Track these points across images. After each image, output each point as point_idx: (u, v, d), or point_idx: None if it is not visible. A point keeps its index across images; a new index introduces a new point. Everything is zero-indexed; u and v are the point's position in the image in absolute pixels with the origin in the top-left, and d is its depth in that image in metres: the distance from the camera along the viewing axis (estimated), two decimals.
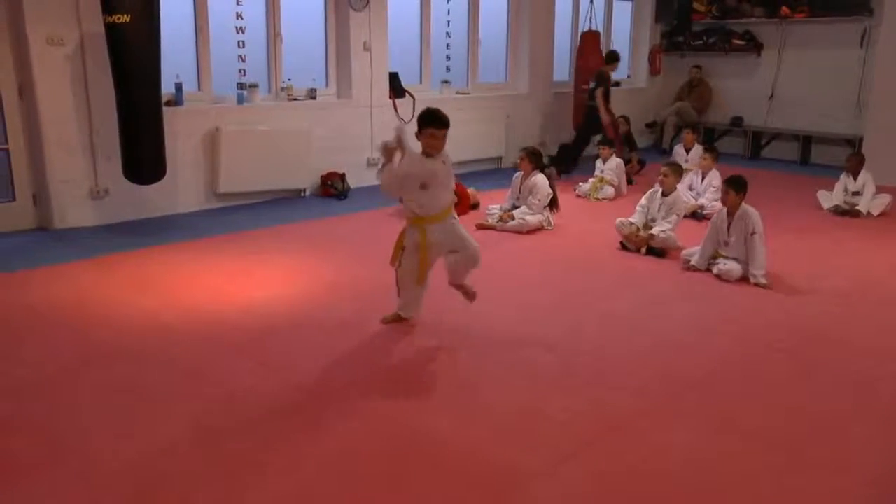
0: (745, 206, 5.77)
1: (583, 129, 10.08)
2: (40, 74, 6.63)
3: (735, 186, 5.75)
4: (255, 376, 4.02)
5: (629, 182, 9.16)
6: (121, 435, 3.41)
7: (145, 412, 3.62)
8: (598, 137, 9.60)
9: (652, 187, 6.79)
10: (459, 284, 4.71)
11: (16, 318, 4.82)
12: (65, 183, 6.84)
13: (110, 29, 6.26)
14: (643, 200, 6.70)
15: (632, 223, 6.57)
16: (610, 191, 8.69)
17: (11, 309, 4.95)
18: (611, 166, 8.84)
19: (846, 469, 3.24)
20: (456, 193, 7.43)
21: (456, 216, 4.58)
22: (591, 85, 9.77)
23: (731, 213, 5.81)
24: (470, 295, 4.74)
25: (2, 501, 2.92)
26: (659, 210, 6.55)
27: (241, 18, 8.04)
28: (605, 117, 9.60)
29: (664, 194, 6.57)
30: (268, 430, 3.46)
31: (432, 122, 4.29)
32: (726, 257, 5.82)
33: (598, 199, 8.62)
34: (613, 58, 9.93)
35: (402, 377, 4.07)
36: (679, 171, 6.80)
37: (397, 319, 4.75)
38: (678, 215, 6.54)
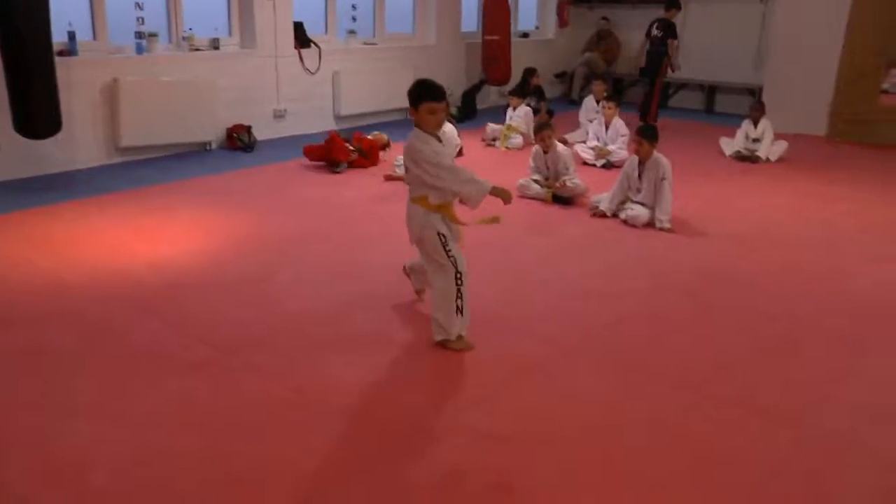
0: (656, 154, 5.89)
1: (649, 73, 10.18)
2: None
3: (648, 136, 5.85)
4: (159, 334, 3.93)
5: None
6: (26, 398, 3.30)
7: (50, 375, 3.50)
8: (507, 88, 9.65)
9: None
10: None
11: None
12: None
13: None
14: (531, 163, 6.82)
15: (534, 180, 6.68)
16: (519, 140, 8.76)
17: None
18: (519, 114, 8.95)
19: (742, 402, 3.38)
20: (359, 149, 7.47)
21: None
22: (658, 33, 9.90)
23: (642, 162, 5.92)
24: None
25: None
26: (548, 168, 6.66)
27: None
28: (675, 65, 9.97)
29: (545, 152, 6.68)
30: (173, 388, 3.40)
31: (429, 94, 3.65)
32: (636, 202, 5.95)
33: (507, 147, 8.68)
34: (675, 4, 9.96)
35: (307, 330, 4.03)
36: (552, 129, 6.84)
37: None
38: (571, 166, 6.64)
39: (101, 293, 4.41)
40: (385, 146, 7.91)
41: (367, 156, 7.60)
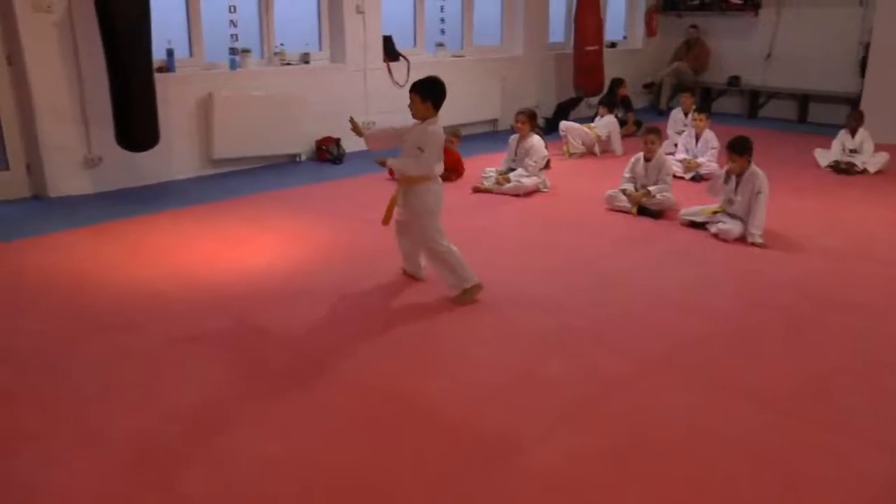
0: (753, 166, 5.75)
1: None
2: (28, 42, 6.51)
3: (737, 150, 5.70)
4: (252, 342, 4.02)
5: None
6: (120, 402, 3.42)
7: (145, 379, 3.62)
8: (595, 99, 9.65)
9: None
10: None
11: (13, 287, 4.81)
12: (58, 151, 6.77)
13: None
14: (627, 172, 6.67)
15: (624, 189, 6.56)
16: (579, 148, 8.88)
17: (9, 279, 4.94)
18: (604, 122, 9.02)
19: (837, 426, 3.26)
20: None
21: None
22: None
23: (738, 175, 5.77)
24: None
25: (2, 470, 2.92)
26: (647, 176, 6.52)
27: None
28: None
29: (647, 160, 6.54)
30: (264, 395, 3.47)
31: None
32: (729, 215, 5.82)
33: (570, 154, 8.83)
34: None
35: (396, 342, 4.06)
36: (660, 136, 6.74)
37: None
38: (668, 178, 6.51)
39: (194, 301, 4.54)
40: (456, 136, 7.82)
41: (452, 170, 7.53)
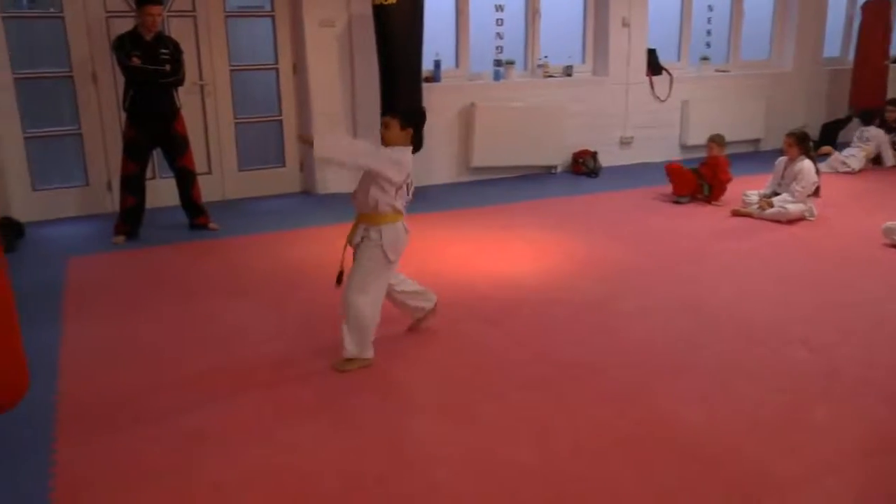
0: None
1: None
2: (312, 53, 7.21)
3: None
4: (502, 347, 4.06)
5: None
6: (370, 392, 3.59)
7: (396, 373, 3.78)
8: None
9: None
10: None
11: (288, 272, 5.28)
12: None
13: (378, 10, 6.64)
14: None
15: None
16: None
17: (285, 264, 5.45)
18: (867, 136, 8.72)
19: None
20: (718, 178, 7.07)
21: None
22: None
23: None
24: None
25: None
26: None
27: None
28: None
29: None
30: (515, 400, 3.48)
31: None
32: None
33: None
34: None
35: (652, 360, 3.92)
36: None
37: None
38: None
39: (447, 301, 4.65)
40: (721, 143, 7.33)
41: (713, 184, 7.20)
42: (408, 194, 3.88)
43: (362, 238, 3.76)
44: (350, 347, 3.75)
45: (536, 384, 3.64)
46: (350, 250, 3.82)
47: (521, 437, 3.18)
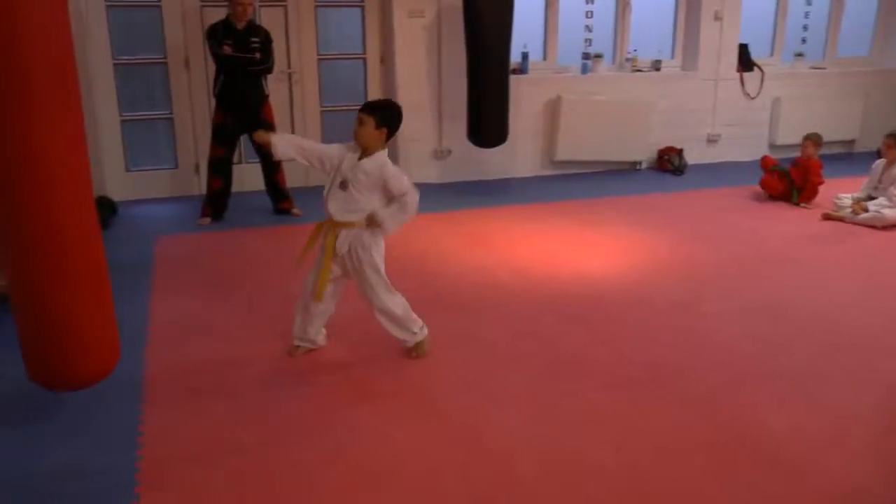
0: None
1: None
2: (400, 43, 7.22)
3: None
4: (584, 344, 4.01)
5: None
6: (455, 381, 3.59)
7: (481, 363, 3.78)
8: None
9: None
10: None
11: None
12: (413, 142, 7.32)
13: (468, 2, 6.62)
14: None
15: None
16: None
17: None
18: None
19: None
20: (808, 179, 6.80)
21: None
22: None
23: None
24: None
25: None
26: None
27: None
28: None
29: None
30: (594, 399, 3.44)
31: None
32: None
33: None
34: None
35: (736, 364, 3.82)
36: None
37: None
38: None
39: (529, 294, 4.65)
40: (818, 142, 7.05)
41: (804, 186, 6.96)
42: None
43: (349, 246, 3.57)
44: (406, 337, 3.77)
45: (617, 384, 3.59)
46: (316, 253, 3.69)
47: (601, 437, 3.14)
